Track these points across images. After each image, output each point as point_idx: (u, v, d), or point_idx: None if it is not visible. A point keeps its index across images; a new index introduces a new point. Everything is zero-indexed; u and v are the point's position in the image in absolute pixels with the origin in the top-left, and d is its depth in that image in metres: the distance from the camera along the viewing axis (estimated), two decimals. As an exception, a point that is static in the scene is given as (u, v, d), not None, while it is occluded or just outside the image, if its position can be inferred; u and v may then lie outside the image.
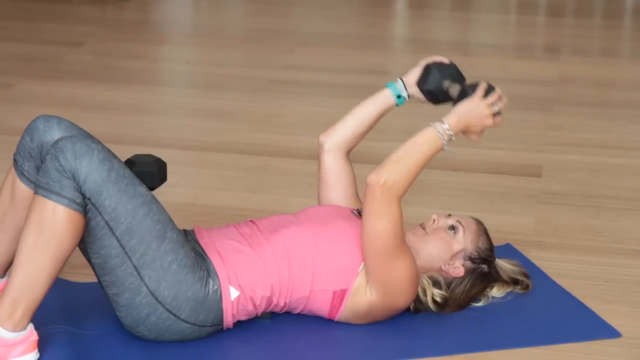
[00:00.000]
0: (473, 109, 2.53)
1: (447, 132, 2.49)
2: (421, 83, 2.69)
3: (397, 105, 2.75)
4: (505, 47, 5.57)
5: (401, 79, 2.74)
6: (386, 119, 4.43)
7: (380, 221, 2.43)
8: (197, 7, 6.55)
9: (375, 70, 4.98)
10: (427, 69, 2.68)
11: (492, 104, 2.54)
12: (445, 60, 2.70)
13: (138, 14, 6.14)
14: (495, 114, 2.55)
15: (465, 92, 2.58)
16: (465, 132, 2.54)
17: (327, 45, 5.41)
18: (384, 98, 2.75)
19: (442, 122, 2.50)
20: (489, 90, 2.56)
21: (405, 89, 2.73)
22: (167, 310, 2.40)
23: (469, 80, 2.67)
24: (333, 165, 2.76)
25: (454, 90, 2.63)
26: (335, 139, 2.76)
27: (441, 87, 2.66)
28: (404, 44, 5.81)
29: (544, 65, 5.08)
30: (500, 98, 2.56)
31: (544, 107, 4.39)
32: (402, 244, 2.48)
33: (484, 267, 2.63)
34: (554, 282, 2.84)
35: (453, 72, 2.67)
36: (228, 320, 2.47)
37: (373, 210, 2.43)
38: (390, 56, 5.39)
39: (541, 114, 4.31)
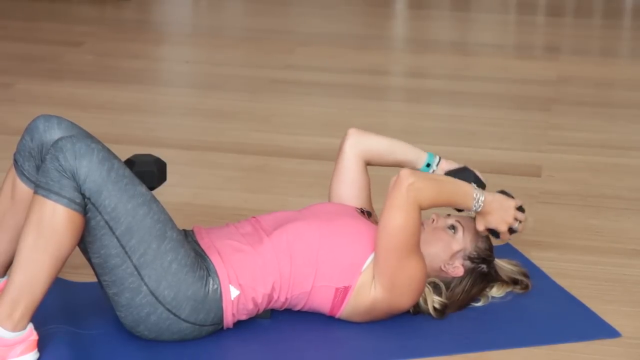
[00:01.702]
0: (504, 205, 2.59)
1: (479, 201, 2.55)
2: (451, 173, 2.73)
3: (417, 168, 2.78)
4: (505, 47, 5.57)
5: (440, 158, 2.78)
6: (386, 118, 4.43)
7: (399, 215, 2.44)
8: (197, 6, 6.55)
9: (375, 70, 4.98)
10: (465, 169, 2.74)
11: (517, 218, 2.61)
12: (482, 177, 2.74)
13: (137, 14, 6.14)
14: (511, 230, 2.61)
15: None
16: (481, 214, 2.59)
17: (327, 45, 5.41)
18: (417, 157, 2.78)
19: (481, 192, 2.56)
20: (520, 209, 2.63)
21: (436, 166, 2.77)
22: (167, 309, 2.40)
23: None
24: (354, 165, 2.78)
25: None
26: (362, 143, 2.79)
27: None
28: (403, 43, 5.81)
29: (543, 65, 5.08)
30: (522, 221, 2.63)
31: (543, 107, 4.39)
32: (416, 247, 2.49)
33: (483, 266, 2.63)
34: (553, 282, 2.84)
35: (481, 186, 2.69)
36: (228, 319, 2.47)
37: (395, 203, 2.46)
38: (390, 56, 5.39)
39: (541, 113, 4.31)
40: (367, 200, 2.81)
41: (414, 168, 2.76)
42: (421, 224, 2.65)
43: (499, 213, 2.58)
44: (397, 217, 2.46)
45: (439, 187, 2.52)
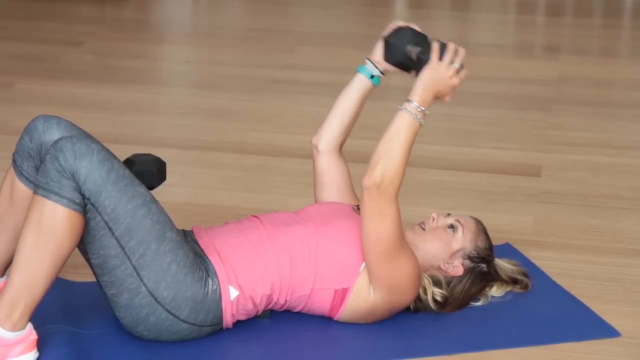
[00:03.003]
0: (434, 76, 2.49)
1: (418, 109, 2.46)
2: (387, 59, 2.65)
3: (375, 85, 2.73)
4: (505, 46, 5.57)
5: (369, 59, 2.72)
6: (386, 118, 4.42)
7: (382, 222, 2.43)
8: (197, 6, 6.55)
9: (374, 69, 4.97)
10: (386, 43, 2.64)
11: (450, 63, 2.51)
12: (402, 23, 2.63)
13: (137, 14, 6.14)
14: (459, 70, 2.51)
15: (421, 59, 2.53)
16: (436, 98, 2.51)
17: (327, 44, 5.41)
18: (359, 83, 2.73)
19: (410, 101, 2.47)
20: (443, 49, 2.52)
21: (376, 67, 2.71)
22: (167, 310, 2.40)
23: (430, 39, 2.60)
24: (327, 166, 2.76)
25: (414, 53, 2.58)
26: (326, 138, 2.76)
27: (406, 56, 2.60)
28: (403, 43, 5.80)
29: (543, 64, 5.08)
30: (456, 53, 2.53)
31: (543, 107, 4.39)
32: (403, 242, 2.48)
33: (483, 266, 2.63)
34: (553, 282, 2.84)
35: (410, 36, 2.59)
36: (227, 319, 2.47)
37: (373, 212, 2.43)
38: (389, 56, 5.38)
39: (541, 113, 4.31)
40: (350, 193, 2.78)
41: (369, 90, 2.72)
42: (421, 222, 2.66)
43: (441, 85, 2.49)
44: (379, 225, 2.43)
45: (395, 156, 2.43)
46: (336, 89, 4.62)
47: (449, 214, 2.68)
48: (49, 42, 5.33)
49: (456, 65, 2.51)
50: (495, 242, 2.71)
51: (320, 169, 2.77)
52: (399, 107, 2.47)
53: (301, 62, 5.07)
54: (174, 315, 2.41)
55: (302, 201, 3.05)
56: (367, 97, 2.74)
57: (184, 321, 2.42)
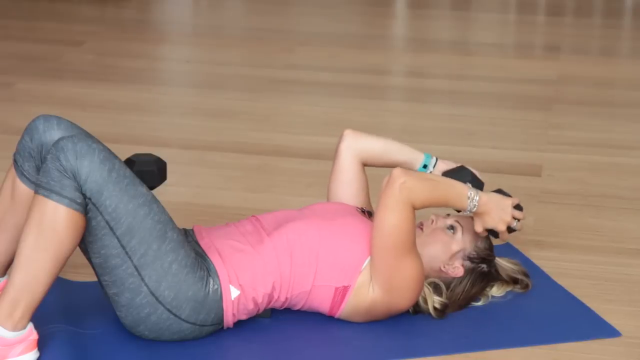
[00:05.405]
0: (501, 204, 2.57)
1: (474, 201, 2.52)
2: (448, 173, 2.71)
3: (415, 169, 2.78)
4: (505, 46, 5.57)
5: (437, 159, 2.77)
6: (386, 118, 4.42)
7: (392, 215, 2.44)
8: (197, 6, 6.55)
9: (375, 69, 4.98)
10: (462, 168, 2.71)
11: (515, 216, 2.58)
12: (479, 176, 2.71)
13: (138, 13, 6.14)
14: (510, 229, 2.59)
15: None
16: (479, 215, 2.56)
17: (327, 44, 5.41)
18: (414, 157, 2.77)
19: (476, 192, 2.54)
20: (518, 207, 2.60)
21: (433, 167, 2.76)
22: (168, 310, 2.40)
23: None
24: (350, 165, 2.78)
25: None
26: (357, 144, 2.78)
27: None
28: (403, 43, 5.80)
29: (543, 64, 5.08)
30: (521, 219, 2.60)
31: (543, 107, 4.39)
32: (412, 247, 2.49)
33: (483, 266, 2.63)
34: (553, 282, 2.84)
35: (478, 185, 2.67)
36: (228, 319, 2.47)
37: (387, 203, 2.45)
38: (390, 55, 5.38)
39: (541, 113, 4.31)
40: (366, 200, 2.81)
41: (411, 167, 2.76)
42: (420, 223, 2.66)
43: (496, 212, 2.57)
44: (390, 217, 2.45)
45: (431, 187, 2.51)
46: (336, 89, 4.64)
47: (448, 215, 2.69)
48: (50, 41, 5.33)
49: (515, 224, 2.59)
50: (495, 242, 2.71)
51: (342, 164, 2.78)
52: (468, 184, 2.56)
53: (301, 62, 5.07)
54: (175, 315, 2.41)
55: (302, 201, 3.05)
56: (401, 166, 2.75)
57: (185, 321, 2.42)
